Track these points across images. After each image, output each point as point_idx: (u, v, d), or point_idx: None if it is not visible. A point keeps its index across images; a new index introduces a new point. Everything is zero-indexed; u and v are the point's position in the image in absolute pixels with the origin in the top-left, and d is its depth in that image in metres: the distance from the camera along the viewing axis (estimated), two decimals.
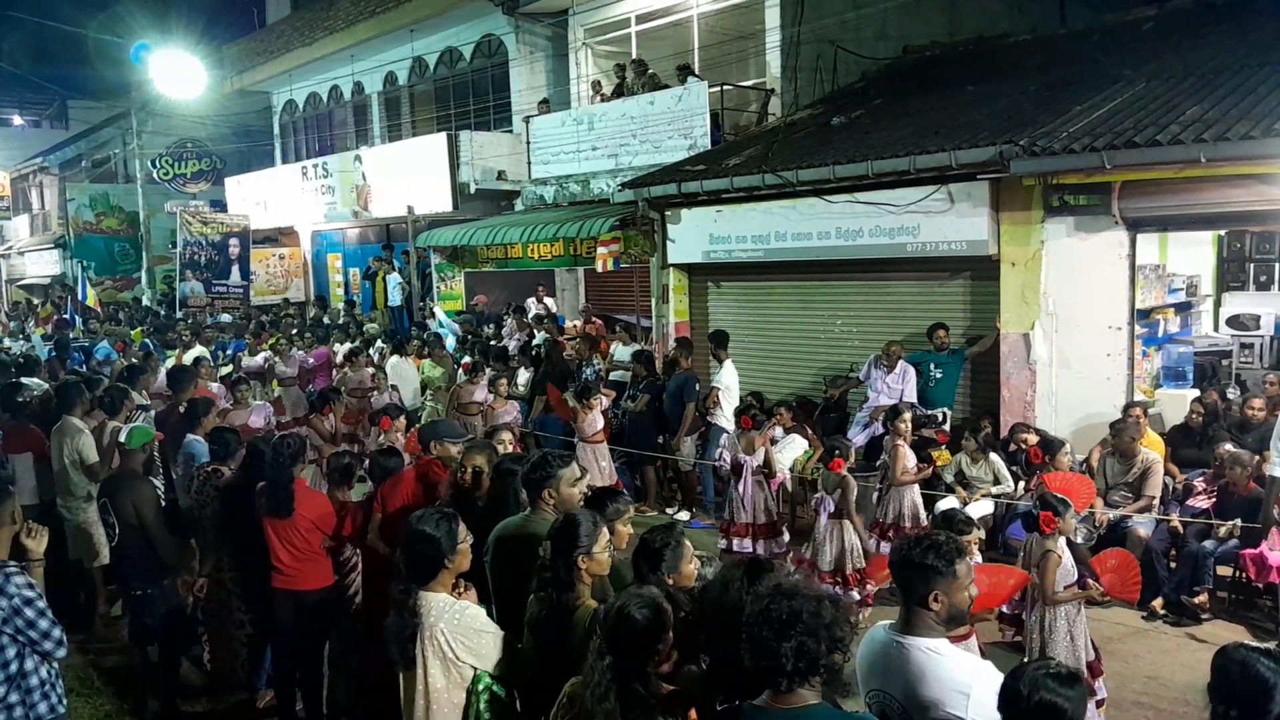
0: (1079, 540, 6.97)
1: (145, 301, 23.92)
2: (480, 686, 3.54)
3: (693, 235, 11.38)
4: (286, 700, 5.53)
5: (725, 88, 13.12)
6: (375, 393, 10.68)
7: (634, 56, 14.62)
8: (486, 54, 17.59)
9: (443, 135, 16.27)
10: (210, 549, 5.83)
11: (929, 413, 8.91)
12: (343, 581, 5.60)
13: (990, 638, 6.25)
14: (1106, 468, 7.50)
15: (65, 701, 4.02)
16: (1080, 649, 5.22)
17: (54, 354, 13.20)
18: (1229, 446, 7.29)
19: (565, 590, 3.45)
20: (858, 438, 9.20)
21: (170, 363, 12.09)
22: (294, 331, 15.19)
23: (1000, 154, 8.10)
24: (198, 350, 13.31)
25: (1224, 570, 6.88)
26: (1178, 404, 8.61)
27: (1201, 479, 7.52)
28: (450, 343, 13.33)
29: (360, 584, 5.59)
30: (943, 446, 8.20)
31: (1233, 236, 10.53)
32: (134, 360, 11.43)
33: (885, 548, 7.00)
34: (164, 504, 6.41)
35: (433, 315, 14.86)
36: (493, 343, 13.23)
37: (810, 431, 9.70)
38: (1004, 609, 6.22)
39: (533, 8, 15.99)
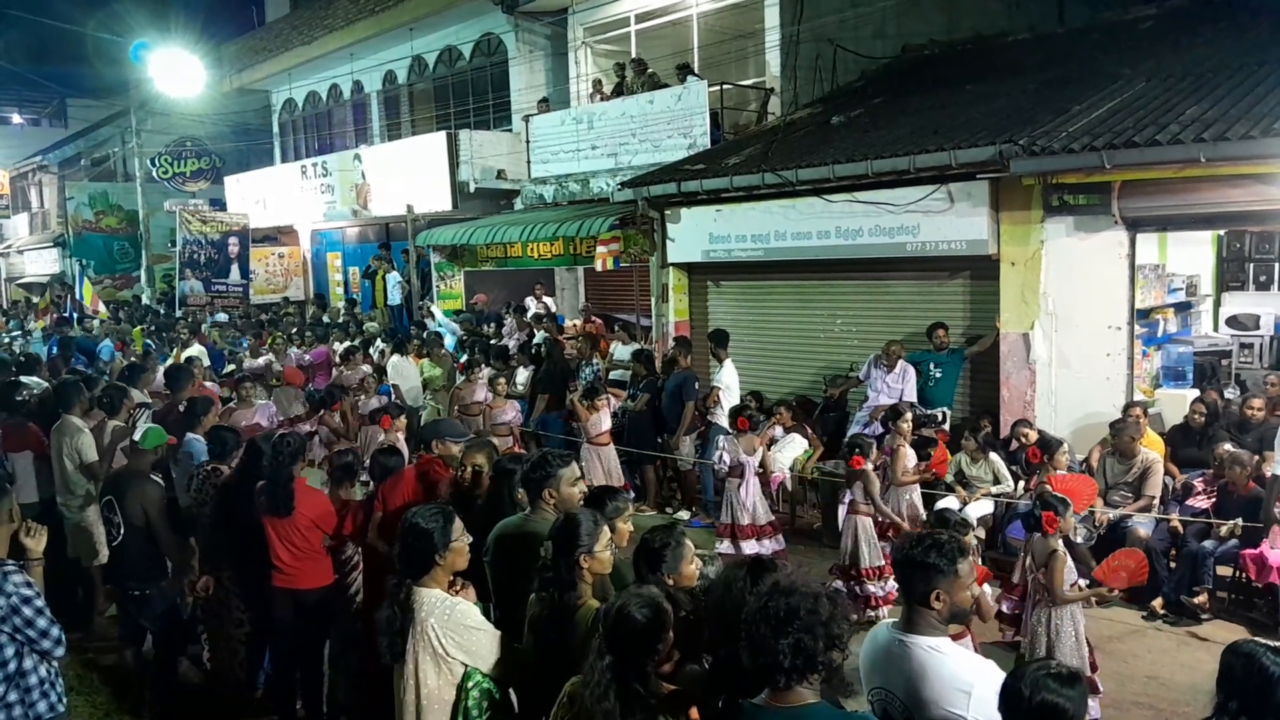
0: (1079, 540, 6.98)
1: (145, 300, 23.93)
2: (470, 684, 3.54)
3: (692, 234, 11.38)
4: (286, 699, 5.53)
5: (725, 87, 13.11)
6: (363, 395, 10.46)
7: (633, 55, 14.62)
8: (486, 53, 17.59)
9: (442, 134, 16.28)
10: (210, 547, 5.83)
11: (929, 412, 8.91)
12: (344, 580, 5.60)
13: (991, 637, 6.26)
14: (1106, 467, 7.50)
15: (65, 700, 4.02)
16: (1084, 649, 5.23)
17: (56, 351, 13.20)
18: (1228, 446, 7.30)
19: (567, 589, 3.45)
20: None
21: (169, 361, 12.08)
22: (293, 330, 15.20)
23: (1000, 153, 8.10)
24: (194, 349, 13.32)
25: (1224, 570, 6.88)
26: (1177, 404, 8.61)
27: (1201, 479, 7.52)
28: (449, 342, 13.33)
29: (361, 583, 5.59)
30: (943, 443, 8.20)
31: (1232, 236, 10.53)
32: (133, 359, 11.43)
33: (886, 548, 7.02)
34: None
35: (431, 315, 14.86)
36: (493, 342, 13.22)
37: (810, 431, 9.72)
38: (1004, 608, 6.23)
39: (532, 6, 15.99)
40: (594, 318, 14.30)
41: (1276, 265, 10.35)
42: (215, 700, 5.93)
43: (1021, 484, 7.72)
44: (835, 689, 2.73)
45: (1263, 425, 7.72)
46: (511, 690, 3.69)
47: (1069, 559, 5.28)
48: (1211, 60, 9.25)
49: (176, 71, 21.32)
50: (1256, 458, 7.18)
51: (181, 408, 7.78)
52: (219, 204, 23.40)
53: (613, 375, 11.55)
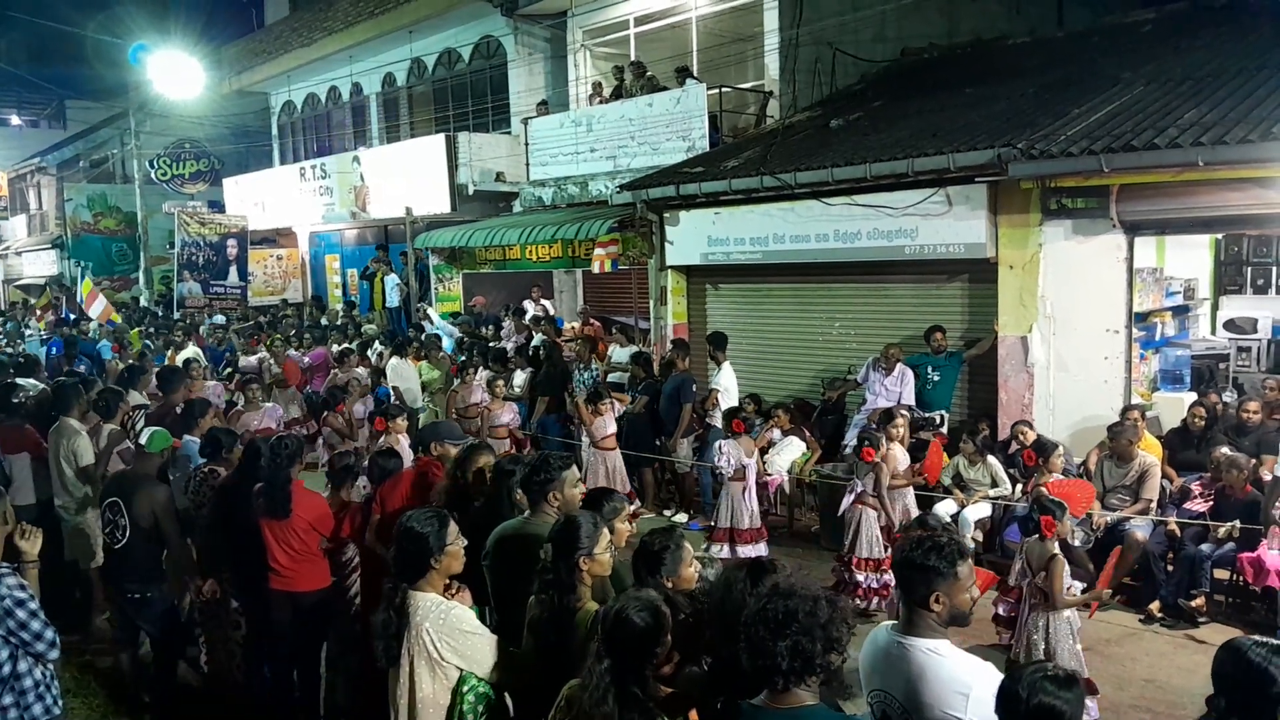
0: (1077, 543, 6.98)
1: (143, 302, 23.90)
2: (466, 688, 3.53)
3: (691, 237, 11.38)
4: (284, 701, 5.52)
5: (724, 90, 13.12)
6: (349, 397, 10.36)
7: (633, 58, 14.62)
8: (485, 55, 17.59)
9: (441, 136, 16.28)
10: (207, 550, 5.82)
11: (927, 415, 8.92)
12: (344, 583, 5.59)
13: (989, 640, 6.26)
14: (1104, 470, 7.51)
15: (61, 703, 4.01)
16: (1080, 652, 5.22)
17: (57, 352, 13.18)
18: (1225, 450, 7.31)
19: (566, 592, 3.45)
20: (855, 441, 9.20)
21: (165, 363, 12.07)
22: (291, 333, 15.19)
23: (998, 157, 8.11)
24: (191, 350, 13.32)
25: (1221, 574, 6.89)
26: (1175, 407, 8.61)
27: (1198, 482, 7.53)
28: (447, 344, 13.32)
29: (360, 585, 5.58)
30: (938, 447, 8.19)
31: (1230, 240, 10.54)
32: (131, 361, 11.42)
33: (888, 548, 7.03)
34: None
35: (428, 318, 14.86)
36: (491, 344, 13.22)
37: (808, 434, 9.71)
38: (1000, 611, 6.24)
39: (531, 9, 15.99)
40: (592, 320, 14.29)
41: (1274, 269, 10.36)
42: (213, 702, 5.92)
43: (1019, 487, 7.72)
44: (835, 691, 2.74)
45: (1260, 429, 7.73)
46: (506, 694, 3.69)
47: (1067, 564, 5.28)
48: (1210, 64, 9.27)
49: (175, 73, 21.29)
50: (1253, 461, 7.18)
51: (179, 409, 7.78)
52: (218, 206, 23.40)
53: (611, 378, 11.54)
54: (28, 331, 19.04)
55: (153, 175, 24.71)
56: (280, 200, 21.08)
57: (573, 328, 14.28)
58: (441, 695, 3.53)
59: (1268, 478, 7.05)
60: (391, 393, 11.30)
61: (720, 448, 7.82)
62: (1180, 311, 10.13)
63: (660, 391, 9.96)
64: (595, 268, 12.41)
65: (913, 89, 12.09)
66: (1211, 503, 7.20)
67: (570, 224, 12.91)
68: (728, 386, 9.84)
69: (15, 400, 7.72)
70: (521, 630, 3.63)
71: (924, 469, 7.68)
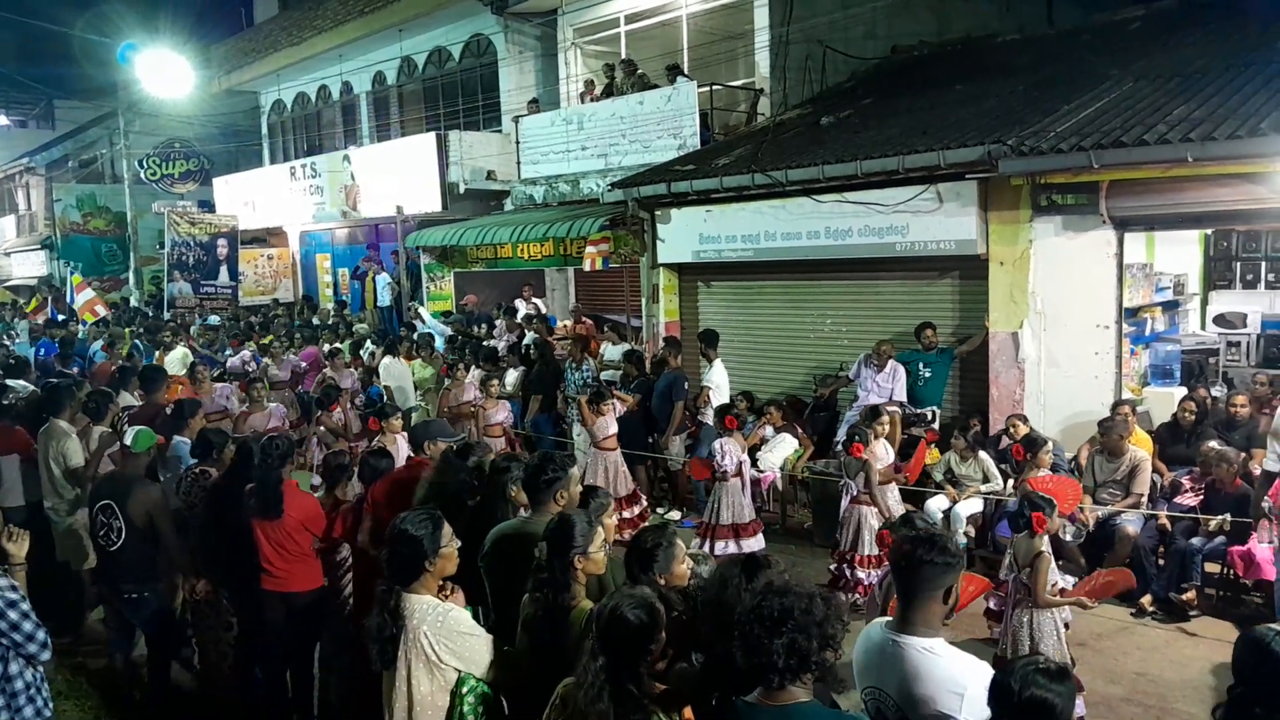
0: (1068, 538, 7.03)
1: (133, 302, 23.81)
2: (465, 689, 3.52)
3: (682, 235, 11.39)
4: (277, 702, 5.51)
5: (714, 88, 13.13)
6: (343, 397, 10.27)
7: (623, 56, 14.62)
8: (475, 53, 17.57)
9: (432, 135, 16.26)
10: (199, 550, 5.80)
11: (918, 411, 8.94)
12: (338, 583, 5.58)
13: (981, 634, 6.29)
14: (1095, 465, 7.54)
15: (52, 705, 4.00)
16: (1065, 647, 5.24)
17: (44, 354, 13.11)
18: (1215, 444, 7.34)
19: (561, 590, 3.45)
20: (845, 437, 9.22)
21: (154, 363, 12.01)
22: (282, 333, 15.15)
23: (988, 154, 8.13)
24: (180, 351, 13.26)
25: (1212, 567, 6.92)
26: (1165, 402, 8.66)
27: (1189, 476, 7.57)
28: (439, 343, 13.31)
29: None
30: (933, 445, 8.22)
31: (1219, 235, 10.60)
32: (122, 361, 11.38)
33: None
34: None
35: (419, 317, 14.84)
36: (484, 343, 13.21)
37: (800, 430, 9.73)
38: (992, 605, 6.26)
39: (522, 7, 15.98)
40: (584, 318, 14.29)
41: (1263, 264, 10.43)
42: (206, 703, 5.91)
43: (1011, 482, 7.74)
44: (829, 685, 2.74)
45: (1249, 423, 7.77)
46: (501, 694, 3.69)
47: (1053, 561, 5.30)
48: (1198, 61, 9.30)
49: (164, 73, 21.22)
50: (1243, 455, 7.22)
51: (169, 410, 7.76)
52: (208, 205, 23.32)
53: (603, 376, 11.54)
54: (15, 334, 18.93)
55: (142, 175, 24.61)
56: (270, 199, 21.02)
57: (565, 326, 14.28)
58: (440, 697, 3.51)
59: (1257, 471, 7.09)
60: (384, 392, 11.28)
61: (721, 446, 7.82)
62: (1170, 307, 10.18)
63: (652, 389, 9.97)
64: (587, 266, 12.40)
65: (903, 86, 12.11)
66: (1202, 497, 7.24)
67: (562, 222, 12.90)
68: (719, 384, 9.85)
69: (5, 401, 7.69)
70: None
71: (907, 468, 7.67)
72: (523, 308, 14.93)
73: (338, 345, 13.20)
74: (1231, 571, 6.80)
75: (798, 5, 12.51)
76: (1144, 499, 7.27)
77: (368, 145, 19.41)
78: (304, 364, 12.91)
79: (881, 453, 7.28)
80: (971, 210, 8.74)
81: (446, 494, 4.77)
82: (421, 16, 17.32)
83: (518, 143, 15.26)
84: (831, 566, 7.26)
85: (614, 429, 8.95)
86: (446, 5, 16.57)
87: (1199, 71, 8.94)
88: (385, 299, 17.22)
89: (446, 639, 3.49)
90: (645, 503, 9.17)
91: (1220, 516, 6.79)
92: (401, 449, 7.01)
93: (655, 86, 13.49)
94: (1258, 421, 7.75)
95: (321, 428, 9.64)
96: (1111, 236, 8.13)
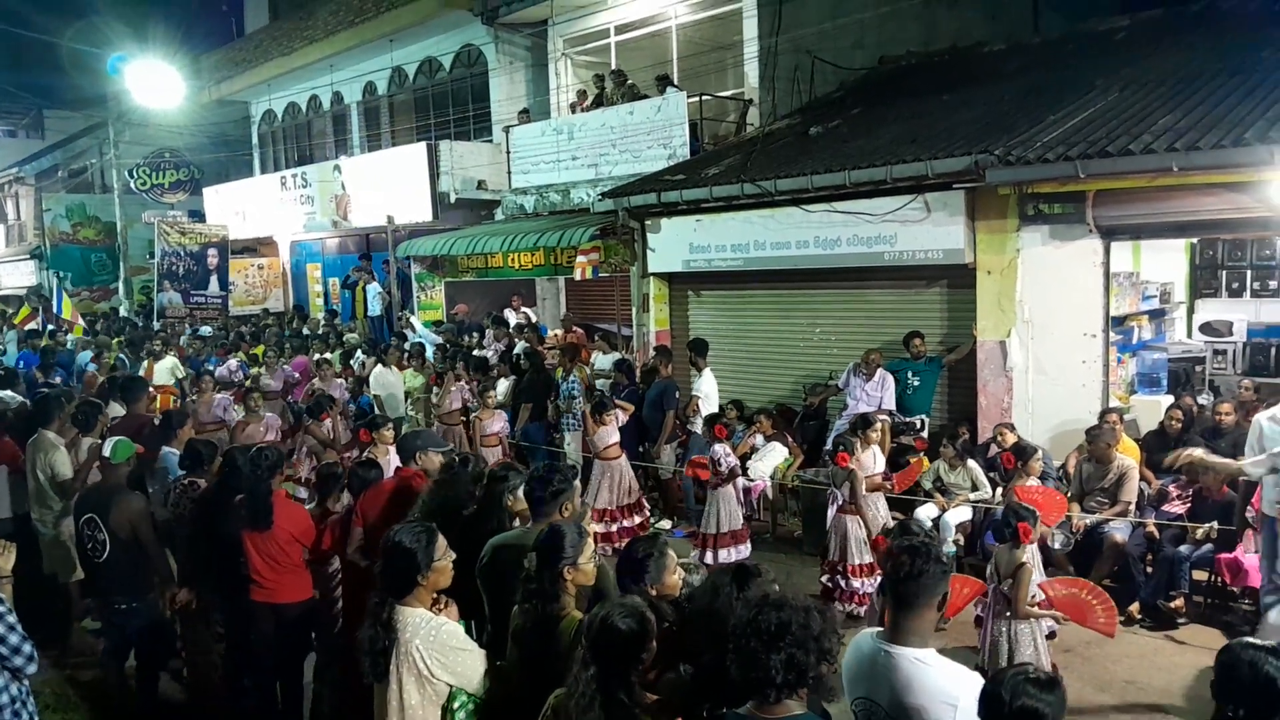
0: (1056, 546, 7.04)
1: (123, 312, 23.72)
2: (456, 704, 3.51)
3: (672, 244, 11.41)
4: (267, 714, 5.49)
5: (704, 98, 13.17)
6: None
7: (613, 67, 14.67)
8: (466, 64, 17.60)
9: (422, 145, 16.25)
10: (188, 561, 5.79)
11: (907, 420, 8.97)
12: (330, 595, 5.57)
13: (971, 641, 6.29)
14: (1083, 473, 7.57)
15: (37, 719, 3.98)
16: (1044, 656, 5.25)
17: (26, 366, 13.04)
18: (1199, 451, 7.36)
19: (550, 601, 3.45)
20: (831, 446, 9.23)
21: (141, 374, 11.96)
22: (274, 344, 15.09)
23: (976, 163, 8.18)
24: (170, 360, 13.22)
25: (1199, 575, 6.94)
26: (1152, 410, 8.70)
27: (1176, 484, 7.59)
28: (430, 352, 13.29)
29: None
30: (921, 453, 8.23)
31: (1205, 244, 10.66)
32: (111, 373, 11.33)
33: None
34: None
35: (410, 327, 14.83)
36: (474, 353, 13.20)
37: (790, 439, 9.75)
38: (980, 613, 6.26)
39: (512, 18, 16.01)
40: (575, 328, 14.29)
41: (1249, 272, 10.49)
42: (195, 714, 5.88)
43: (999, 490, 7.76)
44: (822, 695, 2.73)
45: (1235, 430, 7.80)
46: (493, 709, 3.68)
47: (1035, 573, 5.31)
48: (1184, 70, 9.37)
49: (154, 83, 21.10)
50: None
51: (156, 421, 7.74)
52: (198, 215, 23.26)
53: (596, 384, 11.54)
54: (3, 344, 18.83)
55: (132, 185, 24.54)
56: (261, 209, 20.98)
57: (556, 335, 14.28)
58: (430, 712, 3.49)
59: (1243, 479, 7.11)
60: (374, 401, 11.26)
61: (718, 452, 7.84)
62: (1157, 315, 10.24)
63: (643, 398, 9.98)
64: (577, 275, 12.42)
65: (891, 96, 12.17)
66: (1189, 504, 7.28)
67: (552, 232, 12.92)
68: (708, 393, 9.87)
69: None
70: None
71: (897, 479, 7.64)
72: (512, 317, 14.92)
73: (326, 355, 13.17)
74: (1219, 579, 6.83)
75: (786, 16, 12.56)
76: (1132, 507, 7.30)
77: (358, 155, 19.39)
78: (296, 374, 12.88)
79: (869, 462, 7.28)
80: (959, 219, 8.78)
81: (450, 507, 4.76)
82: (412, 27, 17.33)
83: (508, 152, 15.28)
84: (824, 579, 7.23)
85: (615, 438, 8.96)
86: (437, 16, 16.59)
87: (1184, 80, 9.01)
88: (376, 309, 17.19)
89: (439, 653, 3.47)
90: (648, 512, 9.17)
91: (1207, 525, 6.82)
92: (392, 460, 6.99)
93: (645, 97, 13.54)
94: (1244, 429, 7.78)
95: (310, 438, 9.61)
96: (1098, 245, 8.18)
